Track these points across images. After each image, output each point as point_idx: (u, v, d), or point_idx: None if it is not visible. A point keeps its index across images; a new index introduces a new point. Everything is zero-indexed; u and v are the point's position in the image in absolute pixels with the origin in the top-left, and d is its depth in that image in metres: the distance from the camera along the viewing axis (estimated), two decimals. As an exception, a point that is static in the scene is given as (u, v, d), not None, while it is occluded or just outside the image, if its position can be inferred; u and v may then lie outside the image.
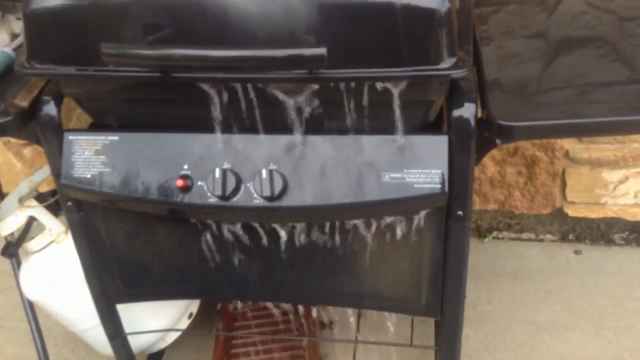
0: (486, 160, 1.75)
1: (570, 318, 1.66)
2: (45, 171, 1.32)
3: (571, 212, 1.83)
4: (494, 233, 1.93)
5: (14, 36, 1.22)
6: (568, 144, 1.71)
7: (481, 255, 1.85)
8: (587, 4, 1.16)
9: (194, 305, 1.53)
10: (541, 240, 1.90)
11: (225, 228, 1.09)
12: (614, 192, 1.76)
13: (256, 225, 1.07)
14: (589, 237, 1.87)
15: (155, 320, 1.43)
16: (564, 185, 1.78)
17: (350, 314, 1.66)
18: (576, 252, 1.85)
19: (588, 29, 1.10)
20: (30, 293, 1.34)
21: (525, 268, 1.81)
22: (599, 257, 1.83)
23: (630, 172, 1.72)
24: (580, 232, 1.87)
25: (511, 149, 1.74)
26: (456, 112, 0.93)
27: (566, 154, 1.72)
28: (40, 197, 1.30)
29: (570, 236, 1.89)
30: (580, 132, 1.15)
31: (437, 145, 0.95)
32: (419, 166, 0.95)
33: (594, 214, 1.82)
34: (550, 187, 1.78)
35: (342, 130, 0.96)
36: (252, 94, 0.93)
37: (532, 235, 1.91)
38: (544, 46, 1.07)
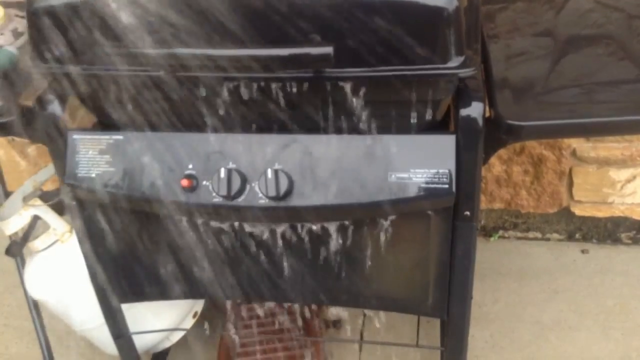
0: (492, 158, 1.74)
1: (576, 318, 1.66)
2: (50, 170, 1.31)
3: (578, 211, 1.82)
4: (500, 232, 1.92)
5: (18, 34, 1.22)
6: (575, 142, 1.70)
7: (487, 255, 1.84)
8: (596, 2, 1.16)
9: (198, 305, 1.53)
10: (547, 240, 1.89)
11: (230, 228, 1.08)
12: (622, 191, 1.75)
13: (261, 225, 1.07)
14: (595, 236, 1.86)
15: (159, 319, 1.42)
16: (570, 184, 1.77)
17: (356, 314, 1.66)
18: (583, 252, 1.84)
19: (596, 27, 1.10)
20: (34, 292, 1.33)
21: (531, 267, 1.80)
22: (605, 256, 1.82)
23: (637, 171, 1.71)
24: (587, 231, 1.86)
25: (518, 147, 1.73)
26: (464, 112, 0.92)
27: (573, 153, 1.71)
28: (45, 196, 1.29)
29: (577, 235, 1.87)
30: (588, 131, 1.14)
31: (444, 145, 0.94)
32: (426, 166, 0.94)
33: (601, 213, 1.81)
34: (557, 186, 1.77)
35: (348, 130, 0.96)
36: (257, 94, 0.92)
37: (539, 235, 1.90)
38: (552, 44, 1.06)
